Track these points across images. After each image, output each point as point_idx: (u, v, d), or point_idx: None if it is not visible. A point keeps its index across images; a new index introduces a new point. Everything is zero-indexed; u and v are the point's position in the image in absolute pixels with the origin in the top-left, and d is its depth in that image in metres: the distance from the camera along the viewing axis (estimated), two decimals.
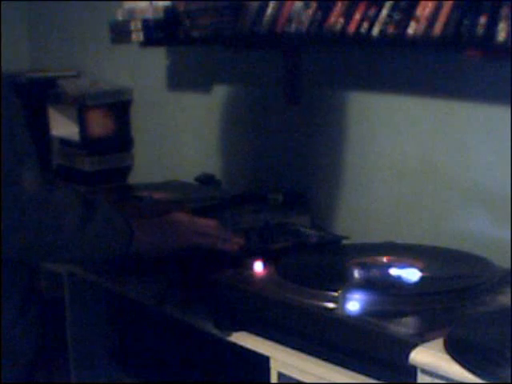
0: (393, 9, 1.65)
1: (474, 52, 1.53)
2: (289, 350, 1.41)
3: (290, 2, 1.85)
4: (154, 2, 2.23)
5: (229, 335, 1.49)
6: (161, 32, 2.20)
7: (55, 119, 2.74)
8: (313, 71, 2.07)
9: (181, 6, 2.15)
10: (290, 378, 1.41)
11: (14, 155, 1.28)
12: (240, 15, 1.97)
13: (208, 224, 1.62)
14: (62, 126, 2.72)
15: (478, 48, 1.52)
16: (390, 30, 1.64)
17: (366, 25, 1.68)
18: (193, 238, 1.58)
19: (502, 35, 1.47)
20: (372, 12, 1.68)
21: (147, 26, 2.21)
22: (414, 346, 1.21)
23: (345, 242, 1.79)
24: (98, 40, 2.66)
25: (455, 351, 1.17)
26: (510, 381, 1.08)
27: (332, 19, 1.75)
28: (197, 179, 2.29)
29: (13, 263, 1.35)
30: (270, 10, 1.89)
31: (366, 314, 1.32)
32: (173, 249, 1.56)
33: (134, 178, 2.67)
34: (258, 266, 1.55)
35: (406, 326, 1.27)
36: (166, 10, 2.18)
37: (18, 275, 1.38)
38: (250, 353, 1.47)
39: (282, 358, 1.42)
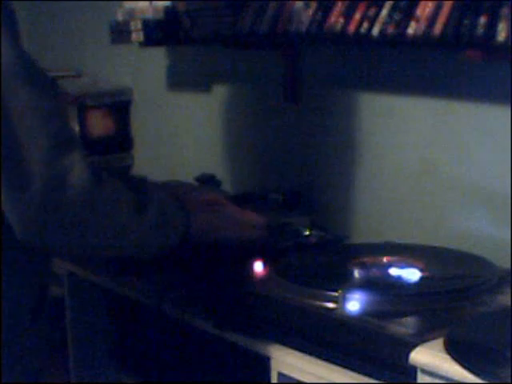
0: (393, 9, 1.65)
1: (474, 52, 1.53)
2: (289, 350, 1.41)
3: (290, 2, 1.85)
4: (153, 2, 2.23)
5: (229, 335, 1.49)
6: (161, 32, 2.20)
7: None
8: (313, 71, 2.07)
9: (181, 6, 2.15)
10: (290, 377, 1.41)
11: (65, 143, 1.18)
12: (240, 15, 1.97)
13: (254, 217, 1.60)
14: None
15: (477, 48, 1.52)
16: (390, 30, 1.64)
17: (366, 25, 1.68)
18: (246, 230, 1.55)
19: (502, 35, 1.47)
20: (372, 12, 1.68)
21: (147, 25, 2.21)
22: (414, 346, 1.21)
23: (345, 242, 1.79)
24: (98, 40, 2.66)
25: (455, 351, 1.17)
26: (510, 381, 1.08)
27: (332, 19, 1.75)
28: (197, 179, 2.28)
29: (25, 268, 1.30)
30: (270, 10, 1.89)
31: (366, 314, 1.32)
32: (230, 239, 1.53)
33: None
34: (258, 266, 1.55)
35: (405, 326, 1.27)
36: (166, 10, 2.19)
37: (31, 279, 1.33)
38: (250, 353, 1.47)
39: (282, 358, 1.41)
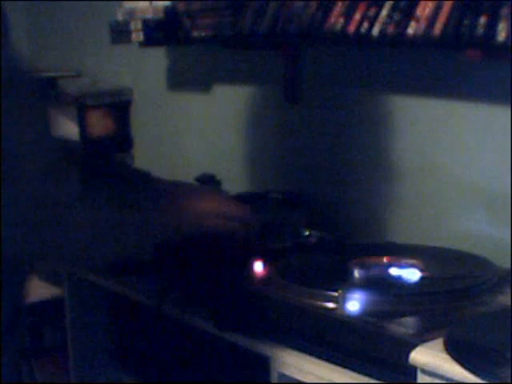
0: (393, 9, 1.65)
1: (474, 52, 1.53)
2: (289, 350, 1.41)
3: (289, 2, 1.85)
4: (153, 2, 2.23)
5: (229, 335, 1.49)
6: (161, 32, 2.20)
7: (55, 119, 2.74)
8: (313, 71, 2.07)
9: (181, 6, 2.15)
10: (290, 377, 1.41)
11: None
12: (240, 15, 1.97)
13: (237, 208, 1.41)
14: (62, 126, 2.72)
15: (477, 48, 1.52)
16: (390, 30, 1.64)
17: (366, 25, 1.68)
18: (212, 220, 1.36)
19: (502, 35, 1.47)
20: (372, 12, 1.68)
21: (147, 25, 2.21)
22: (414, 346, 1.21)
23: (345, 242, 1.79)
24: (98, 40, 2.66)
25: (455, 351, 1.17)
26: (510, 381, 1.08)
27: (332, 19, 1.75)
28: (197, 179, 2.28)
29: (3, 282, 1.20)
30: (270, 10, 1.89)
31: (365, 314, 1.32)
32: (187, 231, 1.35)
33: None
34: (258, 266, 1.55)
35: (405, 326, 1.27)
36: (166, 10, 2.19)
37: (8, 292, 1.21)
38: (250, 353, 1.47)
39: (282, 358, 1.42)
